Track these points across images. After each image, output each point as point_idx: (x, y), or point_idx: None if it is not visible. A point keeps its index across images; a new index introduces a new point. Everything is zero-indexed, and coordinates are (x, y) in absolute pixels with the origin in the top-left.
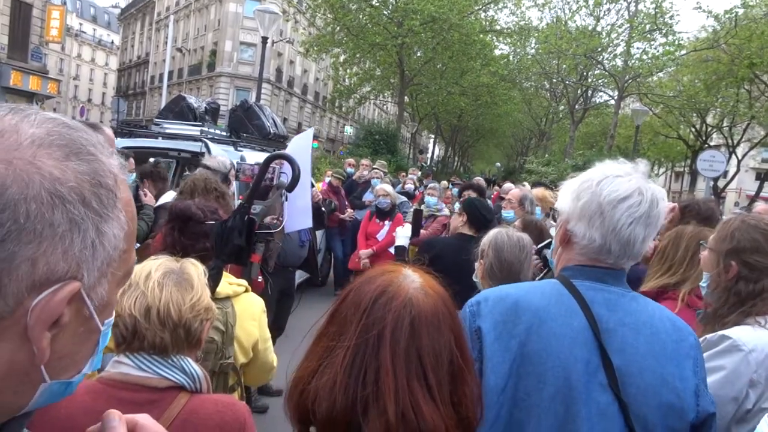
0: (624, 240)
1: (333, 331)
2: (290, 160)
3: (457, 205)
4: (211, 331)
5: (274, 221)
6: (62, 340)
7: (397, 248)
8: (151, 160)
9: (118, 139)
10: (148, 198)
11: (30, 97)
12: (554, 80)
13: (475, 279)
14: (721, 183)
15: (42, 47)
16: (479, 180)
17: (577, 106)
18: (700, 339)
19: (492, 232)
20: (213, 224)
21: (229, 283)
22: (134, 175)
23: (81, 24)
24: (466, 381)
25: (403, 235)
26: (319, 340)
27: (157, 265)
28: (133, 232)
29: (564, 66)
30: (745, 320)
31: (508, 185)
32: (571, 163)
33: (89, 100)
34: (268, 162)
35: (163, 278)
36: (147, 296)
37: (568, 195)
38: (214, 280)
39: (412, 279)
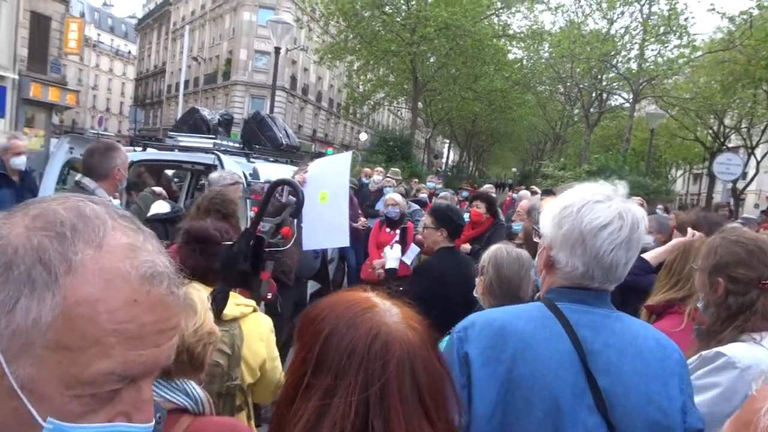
0: (606, 266)
1: (327, 385)
2: (293, 186)
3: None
4: (216, 354)
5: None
6: None
7: (388, 270)
8: (168, 172)
9: (137, 150)
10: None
11: (49, 108)
12: (568, 84)
13: (475, 294)
14: (740, 184)
15: (61, 59)
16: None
17: (591, 110)
18: (696, 356)
19: (492, 249)
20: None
21: (236, 304)
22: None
23: (99, 35)
24: (451, 398)
25: (392, 257)
26: (308, 396)
27: None
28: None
29: (578, 69)
30: (740, 336)
31: (523, 192)
32: (586, 168)
33: (107, 110)
34: (273, 187)
35: None
36: None
37: (550, 220)
38: (220, 304)
39: (392, 312)
